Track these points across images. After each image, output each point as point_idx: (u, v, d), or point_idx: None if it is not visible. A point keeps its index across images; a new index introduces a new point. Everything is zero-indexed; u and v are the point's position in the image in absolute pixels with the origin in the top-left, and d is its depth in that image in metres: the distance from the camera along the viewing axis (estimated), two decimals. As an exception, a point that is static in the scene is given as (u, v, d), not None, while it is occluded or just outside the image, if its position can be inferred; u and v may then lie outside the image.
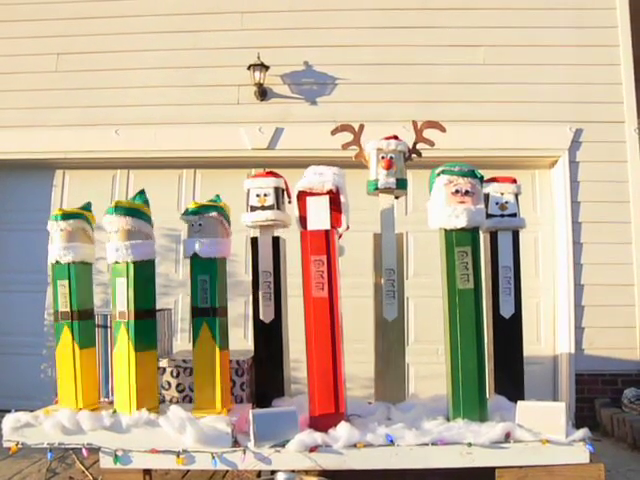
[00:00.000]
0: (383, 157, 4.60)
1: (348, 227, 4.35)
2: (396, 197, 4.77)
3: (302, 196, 4.18)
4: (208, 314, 4.17)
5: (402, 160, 4.67)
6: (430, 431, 3.83)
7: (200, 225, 4.22)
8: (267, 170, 4.89)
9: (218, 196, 4.48)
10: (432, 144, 4.73)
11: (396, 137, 4.70)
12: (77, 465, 4.49)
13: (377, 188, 4.61)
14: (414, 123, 4.81)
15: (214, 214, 4.22)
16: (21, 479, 4.41)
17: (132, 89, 6.50)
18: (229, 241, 4.32)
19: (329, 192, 4.14)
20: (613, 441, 5.36)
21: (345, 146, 4.78)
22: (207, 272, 4.20)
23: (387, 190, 4.63)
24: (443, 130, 4.75)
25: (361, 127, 4.79)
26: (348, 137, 4.80)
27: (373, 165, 4.64)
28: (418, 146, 4.77)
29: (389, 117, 6.20)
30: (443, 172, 4.08)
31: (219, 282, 4.19)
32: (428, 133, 4.77)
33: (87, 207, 4.52)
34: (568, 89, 6.32)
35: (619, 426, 5.38)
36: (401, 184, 4.63)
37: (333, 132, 4.85)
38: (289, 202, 4.77)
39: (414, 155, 4.77)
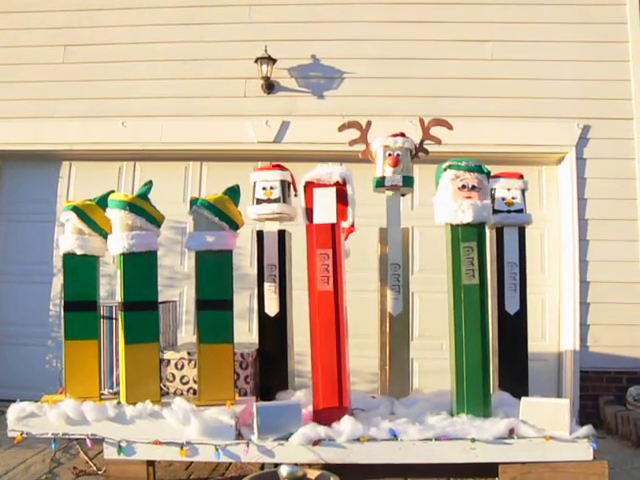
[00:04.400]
0: (390, 154, 4.58)
1: (354, 228, 4.36)
2: (402, 194, 4.76)
3: (309, 187, 4.15)
4: (198, 307, 4.22)
5: (409, 157, 4.66)
6: (434, 426, 3.84)
7: (193, 219, 4.30)
8: (273, 163, 4.88)
9: (235, 187, 4.45)
10: (439, 142, 4.72)
11: (403, 134, 4.68)
12: (81, 455, 4.51)
13: (383, 185, 4.60)
14: (421, 120, 4.78)
15: (195, 207, 4.25)
16: (25, 469, 4.43)
17: (139, 81, 6.50)
18: (218, 234, 4.23)
19: (336, 184, 4.12)
20: (617, 439, 5.35)
21: (352, 143, 4.77)
22: (196, 264, 4.24)
23: (393, 187, 4.62)
24: (450, 128, 4.73)
25: (368, 124, 4.77)
26: (355, 133, 4.78)
27: (380, 162, 4.63)
28: (425, 143, 4.75)
29: (396, 111, 6.18)
30: (450, 167, 4.08)
31: (204, 275, 4.20)
32: (435, 131, 4.75)
33: (102, 200, 4.51)
34: (576, 85, 6.28)
35: (623, 424, 5.37)
36: (407, 181, 4.62)
37: (340, 129, 4.83)
38: (295, 195, 4.77)
39: (421, 153, 4.76)
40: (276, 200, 4.65)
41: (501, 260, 4.62)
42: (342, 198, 4.11)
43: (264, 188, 4.68)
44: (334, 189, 4.10)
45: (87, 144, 6.47)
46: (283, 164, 4.86)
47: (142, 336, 4.12)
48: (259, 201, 4.68)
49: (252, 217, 4.70)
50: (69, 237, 4.31)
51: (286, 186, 4.71)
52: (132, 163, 6.66)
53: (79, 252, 4.33)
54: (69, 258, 4.32)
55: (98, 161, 6.63)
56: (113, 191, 4.52)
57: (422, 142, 4.75)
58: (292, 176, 4.76)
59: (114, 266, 5.88)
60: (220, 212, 4.27)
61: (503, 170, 4.85)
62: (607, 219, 6.11)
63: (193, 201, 4.29)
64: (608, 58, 6.30)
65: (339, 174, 4.12)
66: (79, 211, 4.38)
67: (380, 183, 4.60)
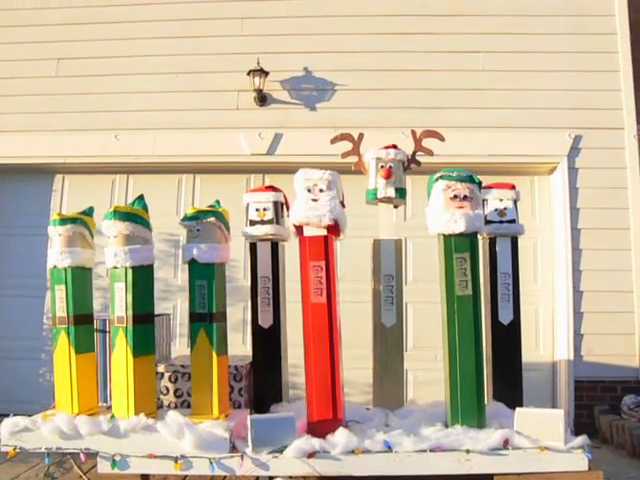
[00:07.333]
0: (382, 166, 4.57)
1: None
2: (395, 206, 4.76)
3: (299, 228, 4.10)
4: (205, 320, 4.16)
5: (401, 169, 4.65)
6: (428, 437, 3.82)
7: (198, 230, 4.22)
8: (266, 185, 4.87)
9: (218, 202, 4.48)
10: (431, 153, 4.72)
11: (395, 146, 4.68)
12: (75, 470, 4.48)
13: (376, 197, 4.60)
14: (413, 132, 4.79)
15: (212, 219, 4.22)
16: (18, 484, 4.41)
17: (132, 94, 6.52)
18: (228, 246, 4.31)
19: (327, 227, 4.04)
20: (612, 448, 5.35)
21: (344, 155, 4.76)
22: (205, 277, 4.20)
23: (386, 199, 4.62)
24: (442, 139, 4.73)
25: (360, 136, 4.77)
26: (347, 146, 4.79)
27: (372, 174, 4.62)
28: (417, 155, 4.77)
29: (388, 123, 6.21)
30: (441, 177, 4.08)
31: (217, 287, 4.18)
32: (427, 142, 4.76)
33: (88, 212, 4.52)
34: (567, 95, 6.33)
35: (618, 433, 5.37)
36: (400, 193, 4.61)
37: (332, 141, 4.82)
38: (288, 216, 4.76)
39: (413, 164, 4.77)
40: (269, 221, 4.63)
41: (494, 270, 4.61)
42: (335, 230, 4.09)
43: (257, 209, 4.66)
44: (325, 231, 4.04)
45: (80, 157, 6.48)
46: (276, 176, 4.86)
47: (144, 349, 4.12)
48: (252, 222, 4.66)
49: (245, 238, 4.70)
50: (78, 251, 4.29)
51: (279, 207, 4.69)
52: (125, 176, 6.66)
53: (87, 265, 4.38)
54: (76, 272, 4.29)
55: (91, 174, 6.63)
56: (92, 207, 4.57)
57: (414, 154, 4.75)
58: (285, 197, 4.75)
59: (107, 279, 5.89)
60: (228, 224, 4.35)
61: (495, 180, 4.86)
62: (600, 228, 6.14)
63: (202, 213, 4.26)
64: (599, 68, 6.35)
65: (329, 218, 4.00)
66: (86, 224, 4.40)
67: (373, 195, 4.61)
